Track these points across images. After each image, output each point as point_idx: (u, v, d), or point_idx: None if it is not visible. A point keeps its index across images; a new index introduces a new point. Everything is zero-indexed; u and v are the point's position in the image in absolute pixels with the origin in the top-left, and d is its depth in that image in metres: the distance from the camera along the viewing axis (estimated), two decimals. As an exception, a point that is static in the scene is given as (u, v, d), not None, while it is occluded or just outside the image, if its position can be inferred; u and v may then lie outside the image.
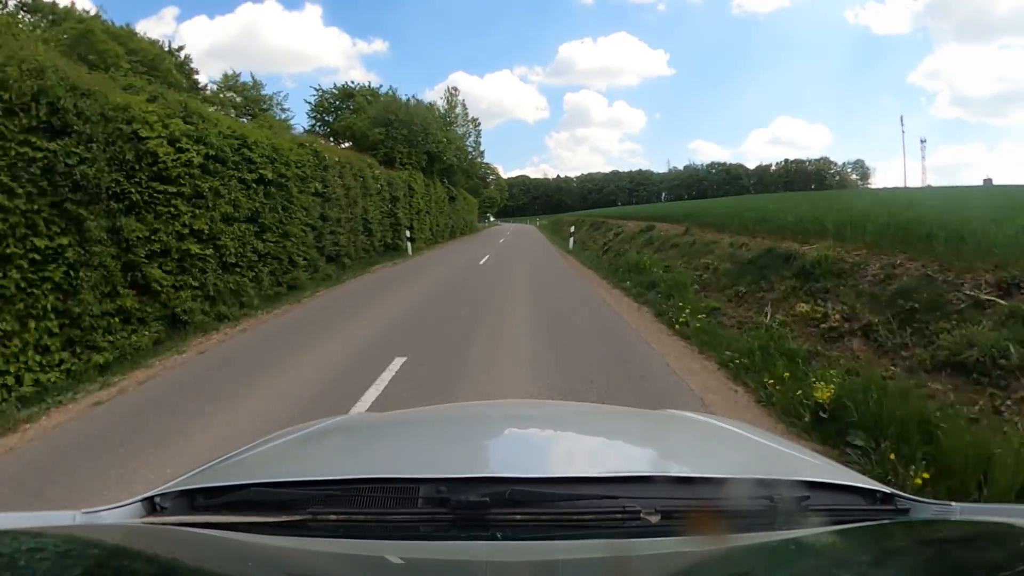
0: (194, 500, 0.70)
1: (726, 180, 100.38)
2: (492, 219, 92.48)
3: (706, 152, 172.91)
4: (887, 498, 0.70)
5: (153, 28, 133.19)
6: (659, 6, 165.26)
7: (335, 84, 18.82)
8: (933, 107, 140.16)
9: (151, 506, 0.71)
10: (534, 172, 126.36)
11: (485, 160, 36.28)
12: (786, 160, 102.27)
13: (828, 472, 0.79)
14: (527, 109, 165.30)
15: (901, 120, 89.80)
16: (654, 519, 0.62)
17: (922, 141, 70.37)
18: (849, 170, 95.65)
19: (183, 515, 0.68)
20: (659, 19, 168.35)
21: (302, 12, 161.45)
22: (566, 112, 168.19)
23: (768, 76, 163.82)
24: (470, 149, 33.89)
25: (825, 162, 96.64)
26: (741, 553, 0.61)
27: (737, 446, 0.97)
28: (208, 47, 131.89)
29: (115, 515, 0.69)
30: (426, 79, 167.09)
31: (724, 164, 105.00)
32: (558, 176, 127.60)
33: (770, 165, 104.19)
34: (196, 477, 0.76)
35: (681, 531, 0.62)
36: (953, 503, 0.69)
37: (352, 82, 18.98)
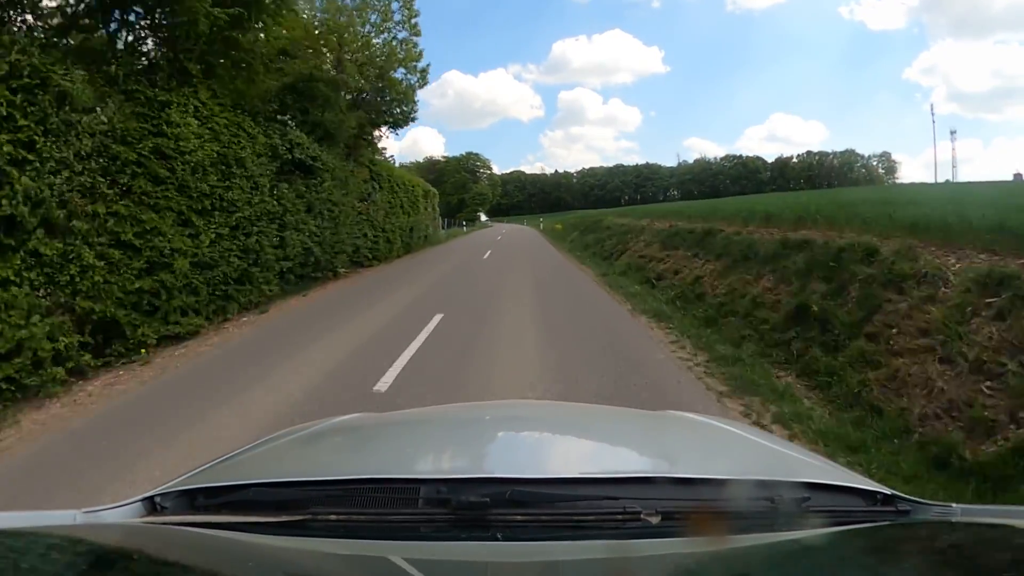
0: (194, 500, 0.77)
1: (742, 175, 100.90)
2: (484, 218, 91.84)
3: (701, 149, 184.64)
4: (888, 499, 0.77)
5: None
6: (653, 3, 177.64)
7: None
8: (928, 103, 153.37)
9: (151, 506, 0.77)
10: (530, 169, 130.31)
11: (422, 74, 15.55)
12: (808, 152, 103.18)
13: (829, 474, 0.87)
14: (521, 107, 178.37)
15: (932, 109, 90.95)
16: (655, 520, 0.69)
17: (952, 132, 72.03)
18: (875, 163, 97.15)
19: (183, 515, 0.74)
20: (654, 16, 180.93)
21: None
22: (560, 110, 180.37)
23: (763, 73, 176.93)
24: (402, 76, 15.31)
25: (850, 154, 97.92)
26: (742, 554, 0.68)
27: (738, 447, 1.05)
28: None
29: (115, 515, 0.76)
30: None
31: (740, 157, 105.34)
32: (556, 171, 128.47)
33: (790, 158, 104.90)
34: (196, 477, 0.83)
35: (682, 532, 0.68)
36: (954, 504, 0.76)
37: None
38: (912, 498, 0.78)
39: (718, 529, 0.69)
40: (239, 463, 0.93)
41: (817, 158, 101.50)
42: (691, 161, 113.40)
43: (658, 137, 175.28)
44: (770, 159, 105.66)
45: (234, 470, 0.88)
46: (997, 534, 0.69)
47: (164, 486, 0.80)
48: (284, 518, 0.70)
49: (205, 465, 0.92)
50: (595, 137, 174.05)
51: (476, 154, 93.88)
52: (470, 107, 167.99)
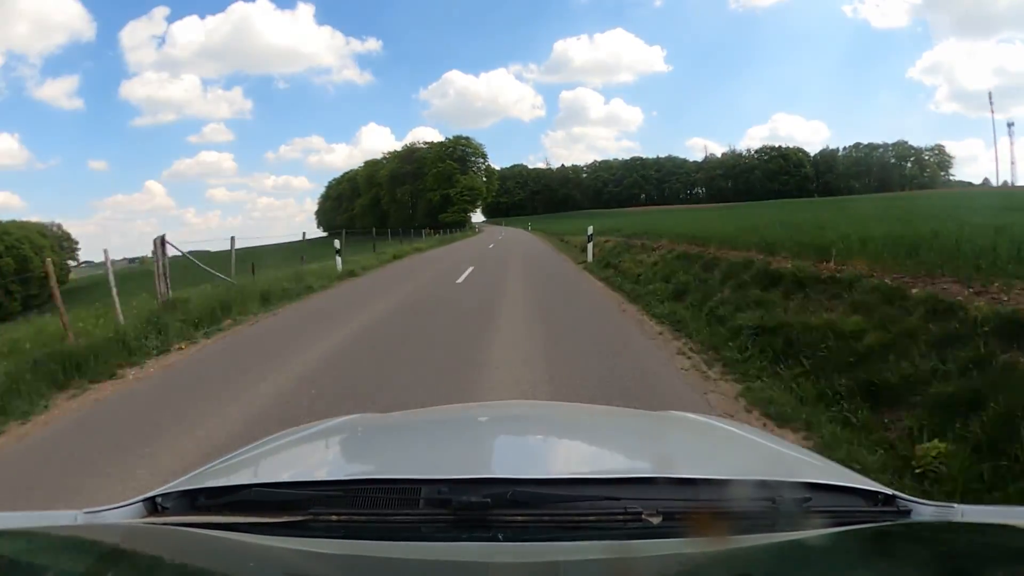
0: (196, 500, 0.89)
1: (781, 169, 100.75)
2: (480, 219, 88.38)
3: (703, 149, 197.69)
4: (889, 500, 0.89)
5: (143, 29, 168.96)
6: (656, 2, 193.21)
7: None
8: (931, 102, 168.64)
9: (152, 506, 0.90)
10: (533, 164, 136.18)
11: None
12: (857, 144, 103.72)
13: (830, 474, 1.00)
14: (523, 107, 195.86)
15: (990, 97, 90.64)
16: (655, 520, 0.81)
17: (1009, 125, 72.78)
18: (927, 157, 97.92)
19: (185, 515, 0.86)
20: (656, 14, 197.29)
21: (294, 11, 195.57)
22: (562, 110, 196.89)
23: (766, 72, 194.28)
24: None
25: (902, 147, 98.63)
26: (742, 555, 0.80)
27: (739, 447, 1.18)
28: (199, 47, 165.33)
29: (116, 515, 0.88)
30: (420, 78, 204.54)
31: (779, 148, 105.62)
32: (563, 166, 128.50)
33: (836, 150, 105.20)
34: (198, 477, 0.96)
35: (683, 532, 0.80)
36: (956, 505, 0.88)
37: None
38: (913, 499, 0.90)
39: (719, 529, 0.80)
40: (240, 464, 1.06)
41: (866, 151, 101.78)
42: (719, 155, 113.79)
43: (660, 137, 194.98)
44: (812, 151, 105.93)
45: (235, 471, 1.01)
46: (998, 535, 0.81)
47: (165, 487, 0.92)
48: (285, 518, 0.82)
49: (207, 466, 1.05)
50: (597, 137, 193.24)
51: (467, 138, 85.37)
52: (471, 107, 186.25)
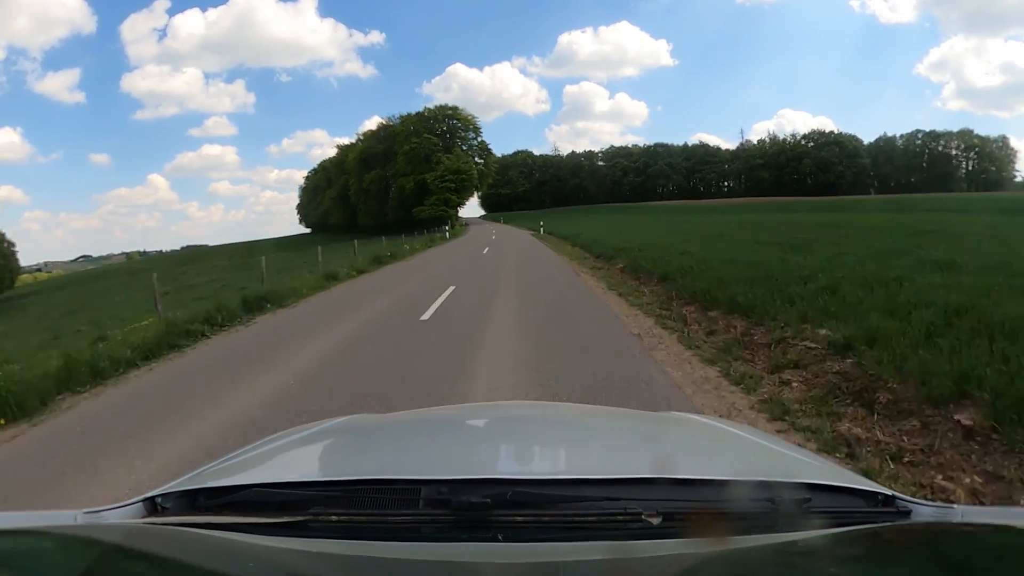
0: (195, 500, 1.03)
1: (835, 158, 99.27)
2: (473, 214, 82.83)
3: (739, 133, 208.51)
4: (888, 500, 1.02)
5: (144, 22, 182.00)
6: None
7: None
8: (938, 99, 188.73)
9: (152, 506, 1.04)
10: (539, 150, 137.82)
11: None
12: (916, 131, 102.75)
13: (829, 474, 1.13)
14: (527, 102, 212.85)
15: None
16: (655, 521, 0.93)
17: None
18: (995, 150, 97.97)
19: (185, 515, 1.00)
20: (662, 8, 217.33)
21: (297, 4, 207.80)
22: (566, 104, 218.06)
23: (772, 67, 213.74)
24: None
25: (966, 135, 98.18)
26: (742, 555, 0.92)
27: (738, 448, 1.33)
28: (201, 40, 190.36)
29: (116, 515, 1.02)
30: (424, 72, 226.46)
31: (831, 135, 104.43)
32: (574, 152, 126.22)
33: (893, 137, 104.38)
34: (198, 477, 1.10)
35: (682, 533, 0.92)
36: (955, 506, 1.00)
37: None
38: (912, 499, 1.03)
39: (719, 530, 0.92)
40: (240, 464, 1.20)
41: (927, 139, 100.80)
42: (755, 142, 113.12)
43: (665, 132, 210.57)
44: (867, 139, 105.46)
45: (235, 471, 1.15)
46: (998, 536, 0.93)
47: (165, 487, 1.06)
48: (285, 519, 0.95)
49: (207, 466, 1.19)
50: (601, 132, 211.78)
51: (453, 108, 71.40)
52: (475, 100, 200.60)
